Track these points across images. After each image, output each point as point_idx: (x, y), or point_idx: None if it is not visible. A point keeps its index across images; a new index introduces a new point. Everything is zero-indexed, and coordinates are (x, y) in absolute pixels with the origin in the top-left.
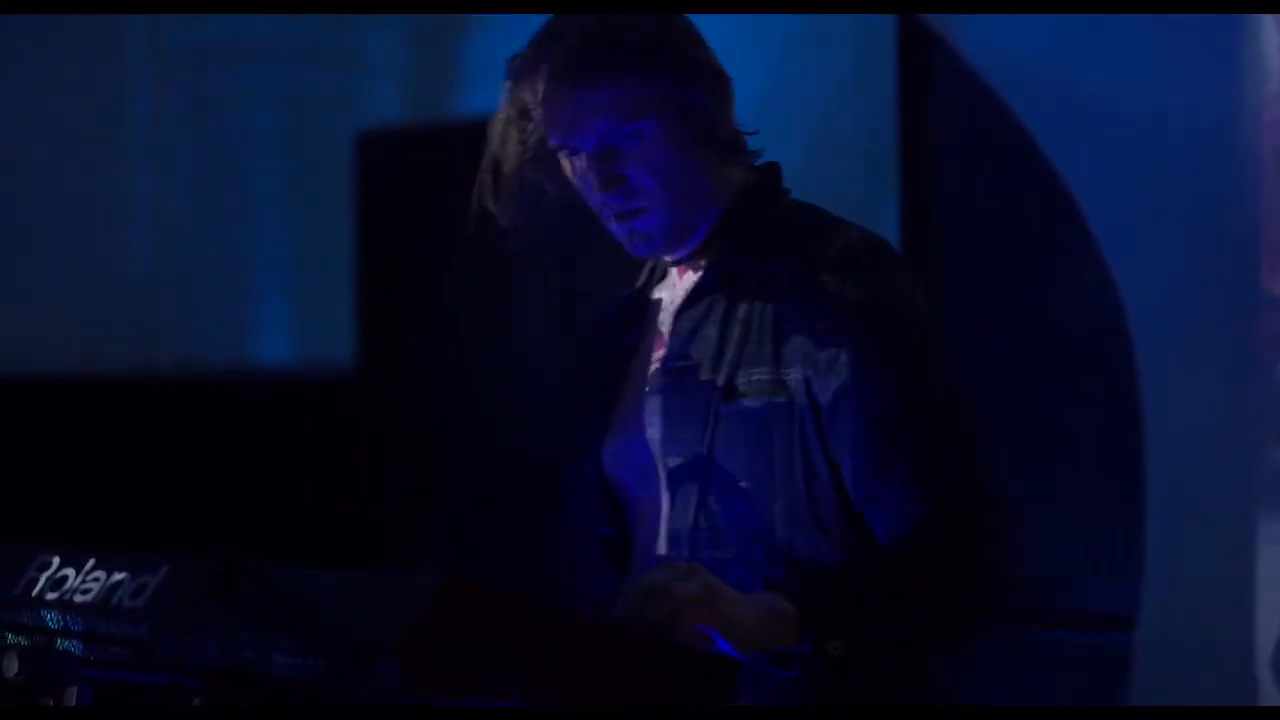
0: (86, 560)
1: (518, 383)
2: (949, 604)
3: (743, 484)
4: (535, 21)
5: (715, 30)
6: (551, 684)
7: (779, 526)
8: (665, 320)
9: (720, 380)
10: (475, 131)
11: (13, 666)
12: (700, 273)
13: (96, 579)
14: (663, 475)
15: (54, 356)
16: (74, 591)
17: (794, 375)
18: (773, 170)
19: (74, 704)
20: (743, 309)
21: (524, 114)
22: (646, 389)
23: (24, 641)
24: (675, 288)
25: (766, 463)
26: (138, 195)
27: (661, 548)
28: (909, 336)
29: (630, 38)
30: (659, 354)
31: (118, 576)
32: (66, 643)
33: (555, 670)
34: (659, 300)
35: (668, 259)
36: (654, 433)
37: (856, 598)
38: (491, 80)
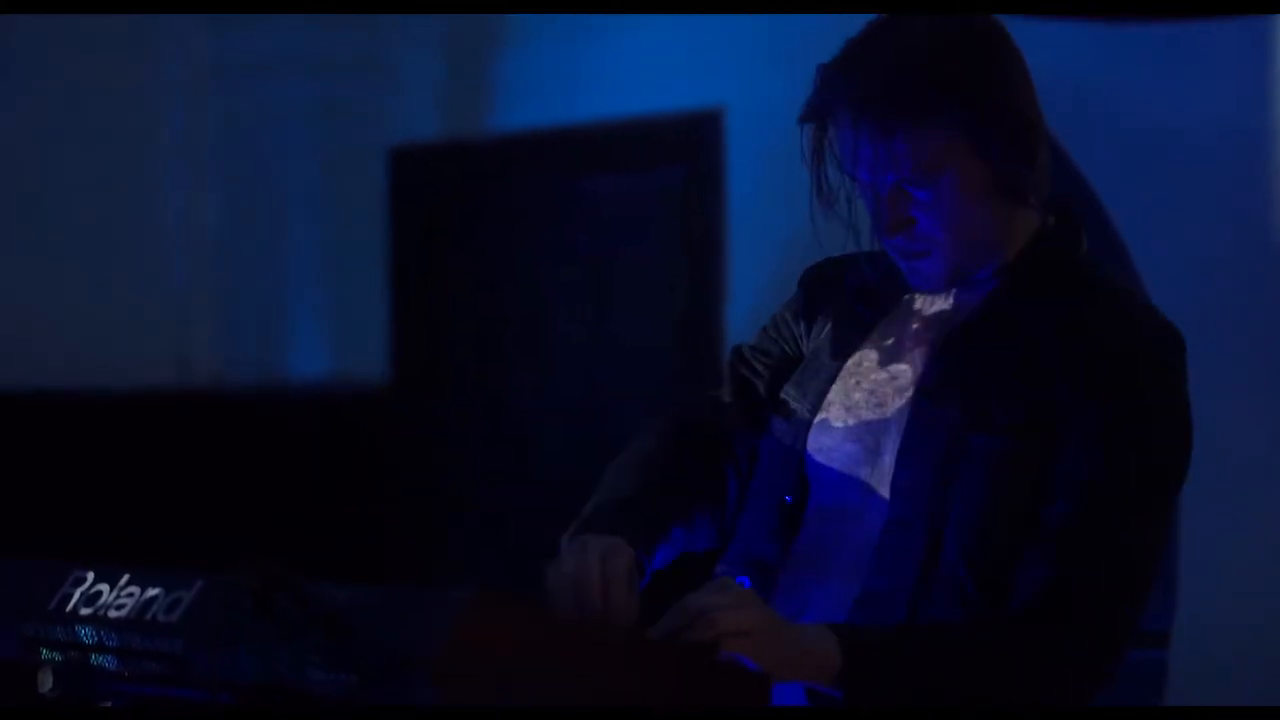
0: (120, 576)
1: (550, 396)
2: (999, 698)
3: (974, 515)
4: (567, 39)
5: (738, 42)
6: (585, 698)
7: (994, 562)
8: (923, 336)
9: (976, 413)
10: (508, 147)
11: (47, 682)
12: (976, 305)
13: (131, 594)
14: (885, 490)
15: (88, 371)
16: (108, 607)
17: (1041, 426)
18: (1071, 221)
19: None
20: (1011, 350)
21: (823, 124)
22: (889, 402)
23: (58, 657)
24: (940, 307)
25: (997, 499)
26: (172, 209)
27: (865, 554)
28: (1154, 470)
29: (939, 79)
30: (905, 369)
31: (152, 592)
32: (101, 658)
33: (589, 684)
34: (917, 308)
35: None
36: (887, 452)
37: (909, 672)
38: (524, 96)
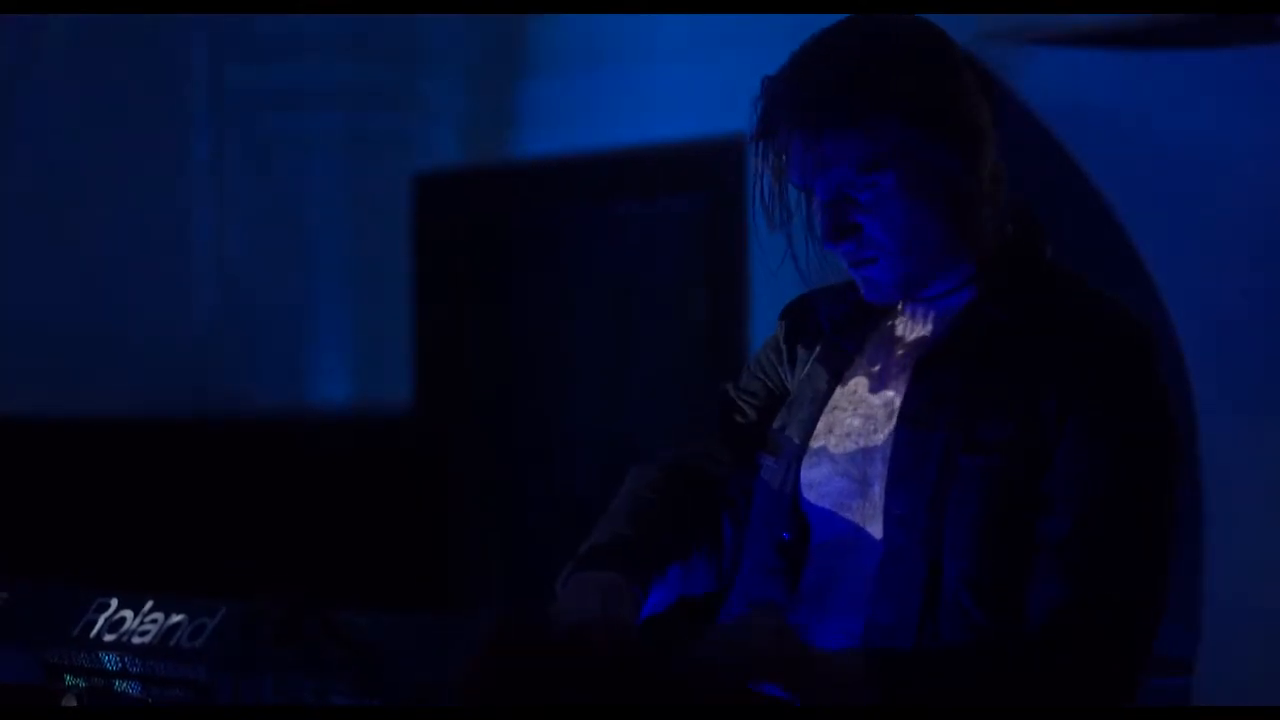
0: (144, 602)
1: (573, 420)
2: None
3: (971, 536)
4: (590, 67)
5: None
6: None
7: (996, 583)
8: (906, 360)
9: (962, 432)
10: (532, 174)
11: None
12: (947, 320)
13: (154, 621)
14: (880, 517)
15: (112, 396)
16: (132, 633)
17: (1028, 440)
18: (1034, 228)
19: None
20: (988, 367)
21: (770, 139)
22: (880, 429)
23: (82, 684)
24: (919, 330)
25: (993, 516)
26: (198, 236)
27: (865, 586)
28: (1146, 476)
29: (878, 85)
30: (890, 394)
31: (176, 618)
32: (124, 685)
33: (611, 708)
34: (899, 333)
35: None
36: (876, 483)
37: (940, 689)
38: (548, 124)
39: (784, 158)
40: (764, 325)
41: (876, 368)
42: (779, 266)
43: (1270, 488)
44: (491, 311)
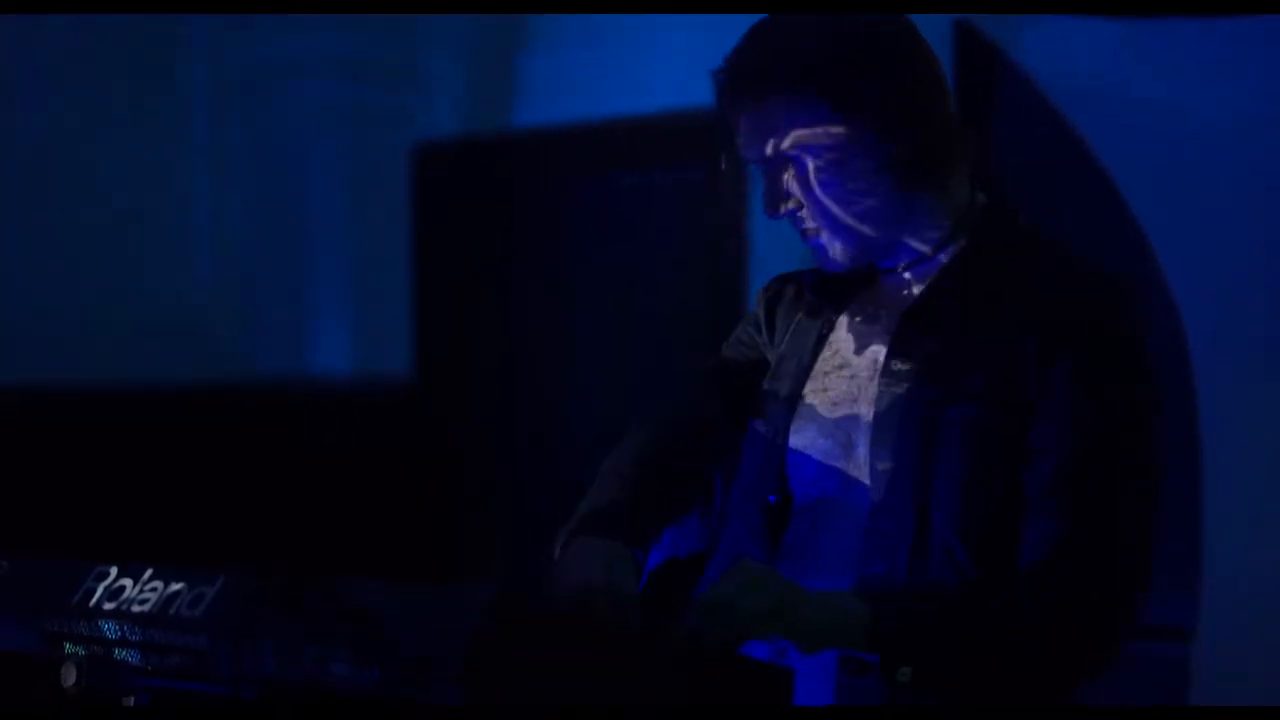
0: (144, 571)
1: (575, 394)
2: (1033, 658)
3: (957, 487)
4: (590, 37)
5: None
6: (605, 697)
7: (984, 531)
8: (884, 320)
9: (943, 385)
10: (531, 146)
11: (70, 676)
12: (925, 281)
13: (154, 589)
14: (867, 475)
15: (115, 368)
16: (131, 602)
17: (1011, 390)
18: (1004, 197)
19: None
20: (968, 320)
21: (720, 112)
22: (864, 389)
23: (82, 652)
24: (891, 290)
25: (977, 467)
26: (198, 209)
27: (853, 543)
28: (1129, 413)
29: (798, 62)
30: (874, 355)
31: (175, 587)
32: (124, 653)
33: (609, 684)
34: (882, 297)
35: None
36: (860, 442)
37: (938, 623)
38: (547, 94)
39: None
40: None
41: (860, 331)
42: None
43: (1268, 459)
44: (491, 283)
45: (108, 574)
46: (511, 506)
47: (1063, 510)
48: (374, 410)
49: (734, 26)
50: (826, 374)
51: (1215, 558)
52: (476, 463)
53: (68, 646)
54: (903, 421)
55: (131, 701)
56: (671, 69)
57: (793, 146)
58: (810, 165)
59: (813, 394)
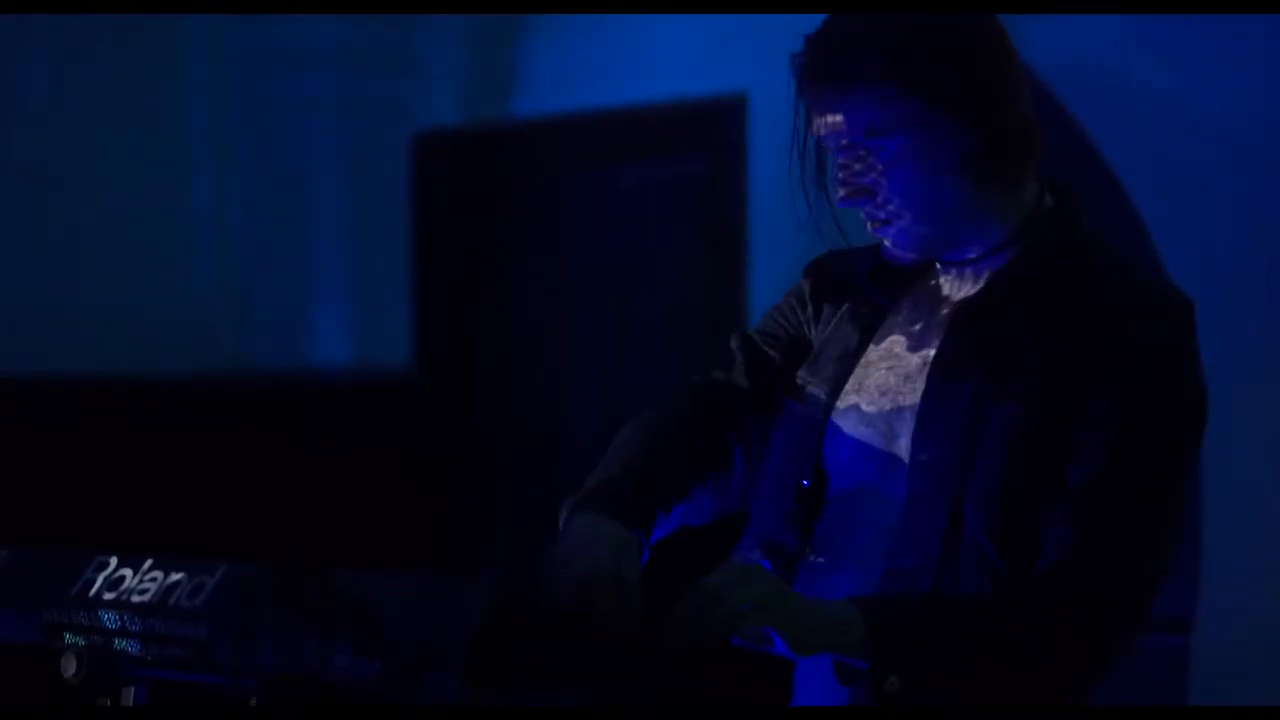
0: (144, 561)
1: (575, 385)
2: (1028, 659)
3: (994, 485)
4: (589, 27)
5: (761, 29)
6: (606, 689)
7: (1018, 533)
8: (941, 317)
9: (992, 384)
10: (531, 136)
11: (70, 667)
12: (983, 280)
13: (154, 579)
14: (903, 470)
15: (113, 359)
16: (131, 592)
17: (1060, 395)
18: (1071, 202)
19: (131, 704)
20: (1023, 323)
21: (799, 95)
22: (913, 385)
23: (81, 642)
24: (951, 286)
25: (1014, 468)
26: (197, 199)
27: (886, 534)
28: (1168, 436)
29: (883, 51)
30: (928, 351)
31: (175, 577)
32: (124, 643)
33: (611, 676)
34: (944, 293)
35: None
36: (903, 434)
37: (931, 635)
38: (546, 84)
39: (808, 114)
40: (764, 284)
41: (916, 326)
42: (806, 221)
43: (1268, 450)
44: (491, 272)
45: (107, 564)
46: (511, 498)
47: (1079, 519)
48: (373, 400)
49: (736, 18)
50: (873, 364)
51: (1215, 553)
52: (476, 455)
53: (68, 637)
54: (947, 415)
55: (132, 692)
56: (671, 57)
57: (876, 134)
58: (892, 153)
59: (858, 383)
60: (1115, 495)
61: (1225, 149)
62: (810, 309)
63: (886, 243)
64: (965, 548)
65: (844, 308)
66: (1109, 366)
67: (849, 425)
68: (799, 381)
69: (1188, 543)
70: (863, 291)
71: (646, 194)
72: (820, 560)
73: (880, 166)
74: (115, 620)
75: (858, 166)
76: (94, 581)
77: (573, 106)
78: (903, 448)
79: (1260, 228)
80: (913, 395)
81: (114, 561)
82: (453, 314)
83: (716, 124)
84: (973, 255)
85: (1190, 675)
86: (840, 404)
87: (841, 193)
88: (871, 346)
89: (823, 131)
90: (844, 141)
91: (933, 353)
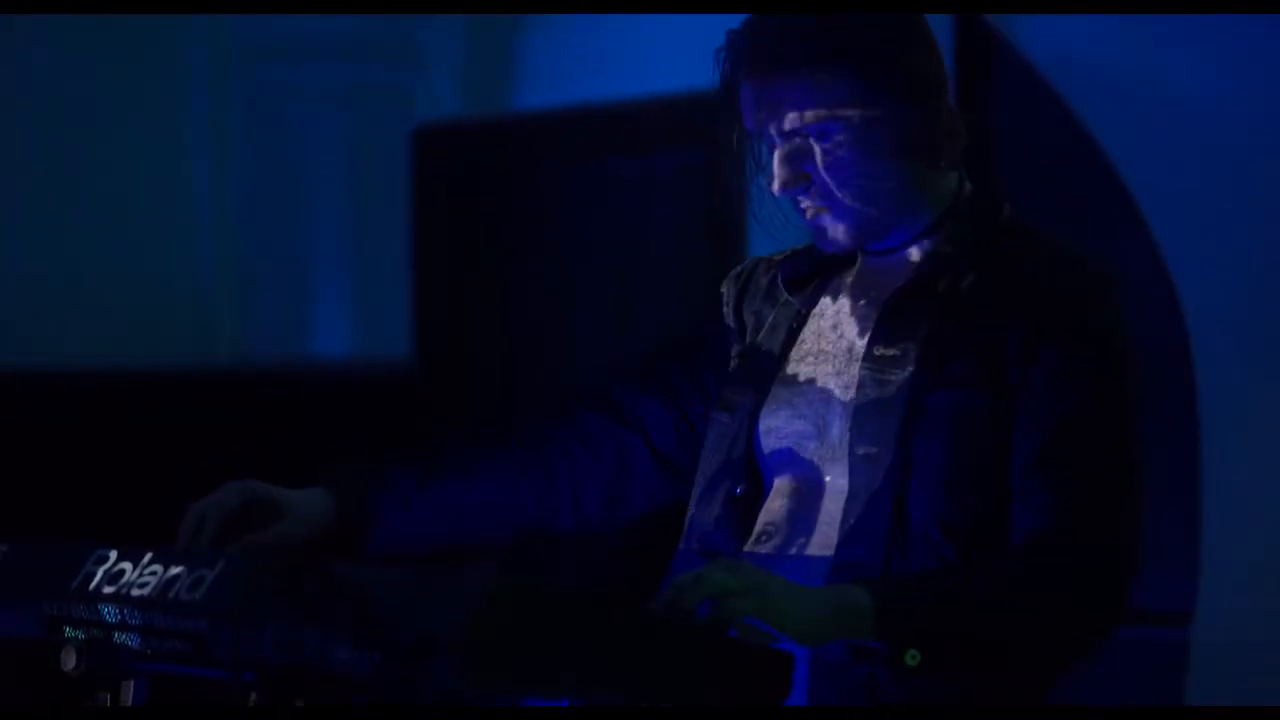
0: (143, 554)
1: (574, 377)
2: (1039, 632)
3: (939, 473)
4: (590, 19)
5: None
6: (607, 680)
7: (965, 519)
8: (863, 306)
9: (927, 371)
10: (532, 127)
11: (70, 660)
12: (909, 268)
13: (154, 573)
14: (845, 460)
15: (114, 350)
16: (131, 585)
17: (997, 377)
18: (993, 184)
19: (131, 698)
20: (955, 305)
21: (728, 87)
22: (840, 374)
23: (81, 635)
24: (871, 276)
25: (959, 454)
26: (197, 191)
27: (830, 528)
28: (1113, 388)
29: (827, 35)
30: (852, 340)
31: (175, 570)
32: (124, 636)
33: (611, 666)
34: (852, 282)
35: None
36: (835, 426)
37: (941, 604)
38: (547, 76)
39: (741, 106)
40: None
41: (839, 315)
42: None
43: (1266, 444)
44: (491, 262)
45: (107, 557)
46: None
47: (1048, 484)
48: (372, 390)
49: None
50: (801, 359)
51: (1214, 549)
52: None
53: (67, 630)
54: (885, 407)
55: (131, 685)
56: (671, 50)
57: (816, 121)
58: (832, 141)
59: (786, 379)
60: (1077, 450)
61: (1226, 145)
62: (734, 317)
63: (829, 232)
64: (912, 537)
65: (768, 310)
66: (1042, 345)
67: (781, 420)
68: (727, 391)
69: (1186, 536)
70: (785, 287)
71: (647, 186)
72: (764, 552)
73: (821, 153)
74: (115, 614)
75: (796, 154)
76: (94, 575)
77: (573, 99)
78: (835, 437)
79: (1261, 225)
80: (843, 387)
81: (114, 555)
82: (452, 304)
83: (717, 116)
84: (895, 243)
85: (1189, 668)
86: (769, 402)
87: (779, 181)
88: (798, 341)
89: (758, 118)
90: (786, 127)
91: (856, 340)
